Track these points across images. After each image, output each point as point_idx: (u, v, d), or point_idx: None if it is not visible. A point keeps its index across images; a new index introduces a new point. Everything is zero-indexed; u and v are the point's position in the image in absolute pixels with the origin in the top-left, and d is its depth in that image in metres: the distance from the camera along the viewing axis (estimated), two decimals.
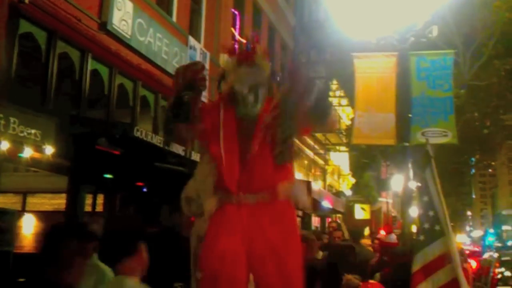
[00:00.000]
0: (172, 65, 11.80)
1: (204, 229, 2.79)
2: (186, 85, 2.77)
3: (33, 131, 7.48)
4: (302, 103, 2.69)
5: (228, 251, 2.64)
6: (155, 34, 11.17)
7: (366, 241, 12.78)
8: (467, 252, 17.62)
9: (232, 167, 2.72)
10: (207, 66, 13.22)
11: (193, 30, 13.58)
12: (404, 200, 17.65)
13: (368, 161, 28.45)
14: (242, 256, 2.65)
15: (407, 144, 10.54)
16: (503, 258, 13.46)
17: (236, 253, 2.64)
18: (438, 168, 4.90)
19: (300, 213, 17.33)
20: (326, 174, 27.85)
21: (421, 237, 4.39)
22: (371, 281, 4.27)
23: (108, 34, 9.81)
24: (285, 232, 2.75)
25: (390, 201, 32.65)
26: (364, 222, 27.35)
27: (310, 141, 24.16)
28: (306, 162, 24.34)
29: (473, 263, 14.40)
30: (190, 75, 2.78)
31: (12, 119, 7.10)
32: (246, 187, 2.72)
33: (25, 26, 8.13)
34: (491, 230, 56.63)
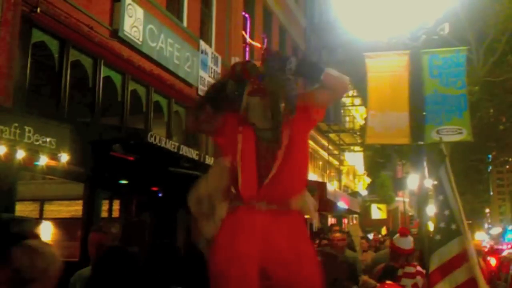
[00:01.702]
0: (184, 70, 11.87)
1: (211, 232, 2.78)
2: (235, 75, 2.79)
3: (48, 139, 7.54)
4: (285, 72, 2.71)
5: (241, 254, 2.63)
6: (167, 40, 11.23)
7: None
8: (486, 250, 17.41)
9: (250, 182, 2.72)
10: (218, 70, 13.26)
11: (204, 35, 13.62)
12: (420, 199, 17.53)
13: (383, 160, 28.32)
14: (256, 261, 2.64)
15: (421, 142, 10.42)
16: None
17: (249, 257, 2.63)
18: (454, 166, 4.86)
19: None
20: (341, 174, 27.76)
21: (438, 237, 4.35)
22: (387, 281, 4.23)
23: (120, 41, 9.88)
24: (300, 240, 2.74)
25: (407, 200, 32.45)
26: (381, 222, 27.22)
27: (324, 142, 24.11)
28: (320, 163, 24.29)
29: (493, 261, 14.24)
30: (241, 67, 2.80)
31: (27, 128, 7.17)
32: (261, 197, 2.72)
33: (37, 35, 8.22)
34: (510, 227, 56.12)
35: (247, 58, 14.32)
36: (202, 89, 11.93)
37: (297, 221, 2.80)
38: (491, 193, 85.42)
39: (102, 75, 9.58)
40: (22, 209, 9.95)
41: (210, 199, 2.83)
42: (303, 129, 2.87)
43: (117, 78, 10.09)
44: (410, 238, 5.59)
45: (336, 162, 26.90)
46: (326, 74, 2.78)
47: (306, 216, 2.91)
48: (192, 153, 10.24)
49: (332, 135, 24.82)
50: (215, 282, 2.68)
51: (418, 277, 5.02)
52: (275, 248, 2.66)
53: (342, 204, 20.37)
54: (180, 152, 9.75)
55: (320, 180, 22.27)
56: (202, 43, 12.88)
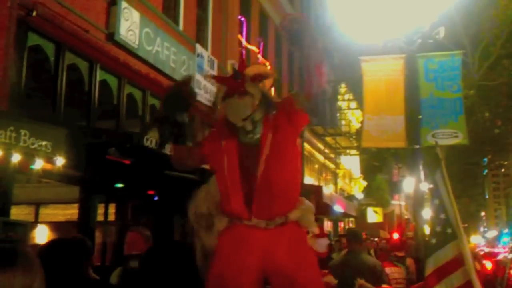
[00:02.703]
0: (180, 74, 11.84)
1: (211, 244, 2.74)
2: (172, 97, 2.78)
3: (43, 142, 7.52)
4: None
5: (241, 268, 2.60)
6: (163, 43, 11.22)
7: None
8: (482, 253, 17.45)
9: (237, 196, 2.67)
10: (215, 73, 13.24)
11: (200, 38, 13.62)
12: (416, 202, 17.57)
13: (379, 164, 28.39)
14: (254, 275, 2.62)
15: (417, 146, 10.46)
16: None
17: (249, 271, 2.61)
18: (450, 169, 4.86)
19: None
20: (337, 178, 27.79)
21: (433, 240, 4.35)
22: (384, 285, 4.23)
23: (116, 44, 9.87)
24: (300, 255, 2.70)
25: (403, 203, 32.51)
26: (377, 225, 27.25)
27: (320, 145, 24.13)
28: (317, 166, 24.30)
29: (489, 264, 14.27)
30: (176, 88, 2.82)
31: (22, 131, 7.14)
32: (257, 214, 2.67)
33: (33, 39, 8.20)
34: (506, 230, 56.26)
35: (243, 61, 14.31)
36: (198, 93, 11.92)
37: (296, 231, 2.76)
38: (487, 197, 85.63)
39: (98, 79, 9.57)
40: (18, 213, 9.92)
41: (209, 215, 2.80)
42: (288, 135, 2.79)
43: (113, 81, 10.08)
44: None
45: (332, 166, 26.92)
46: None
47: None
48: None
49: (328, 139, 24.84)
50: None
51: None
52: (276, 262, 2.63)
53: (338, 208, 20.38)
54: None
55: (316, 183, 22.28)
56: (198, 46, 12.88)
